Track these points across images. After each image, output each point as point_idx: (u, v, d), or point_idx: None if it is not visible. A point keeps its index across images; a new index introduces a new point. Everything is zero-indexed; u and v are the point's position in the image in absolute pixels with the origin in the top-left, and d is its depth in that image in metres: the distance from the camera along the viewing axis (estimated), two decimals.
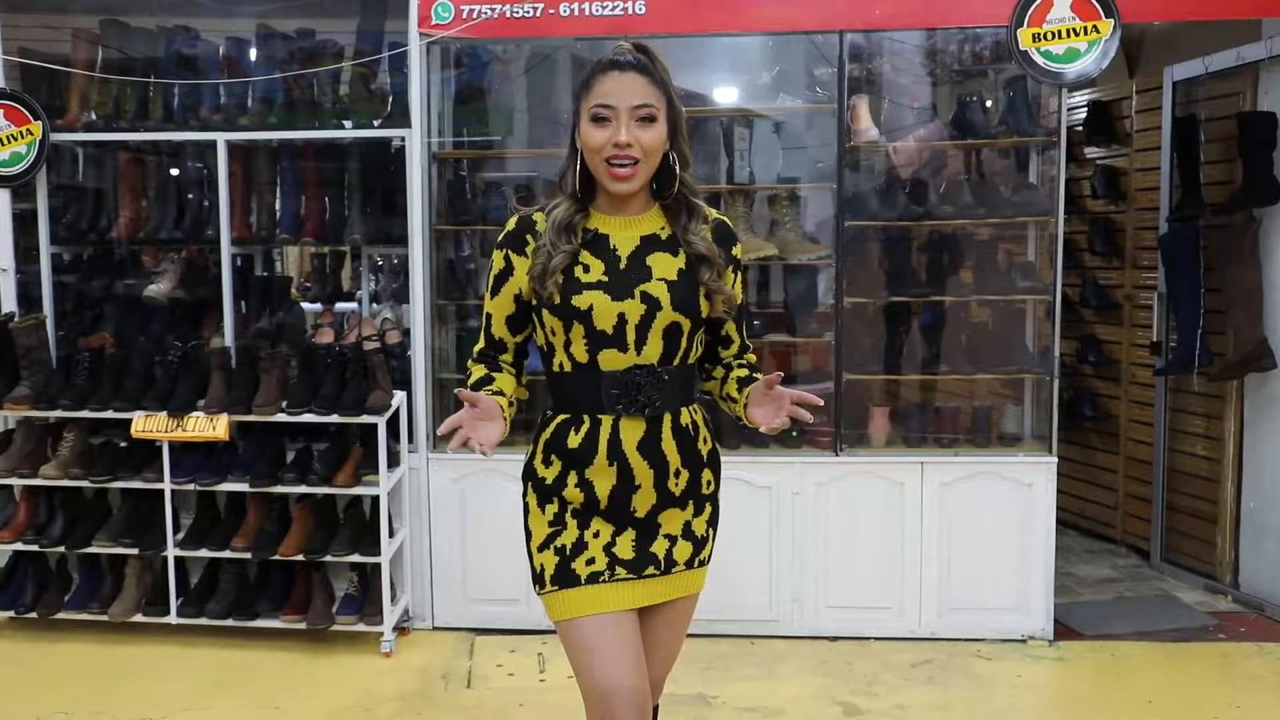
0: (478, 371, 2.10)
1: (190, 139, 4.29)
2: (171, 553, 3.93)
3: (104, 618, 3.96)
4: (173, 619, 3.95)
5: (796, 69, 4.23)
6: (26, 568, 4.06)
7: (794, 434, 4.02)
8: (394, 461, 3.96)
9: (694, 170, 2.09)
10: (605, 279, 2.00)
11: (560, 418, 2.06)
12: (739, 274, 2.14)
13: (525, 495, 2.12)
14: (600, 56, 2.03)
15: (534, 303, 2.05)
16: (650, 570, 2.05)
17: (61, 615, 4.00)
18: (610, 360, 1.99)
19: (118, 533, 3.96)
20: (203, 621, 3.92)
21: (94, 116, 4.28)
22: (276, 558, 3.86)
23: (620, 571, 2.03)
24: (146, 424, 3.88)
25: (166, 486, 3.88)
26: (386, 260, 4.77)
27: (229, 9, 4.34)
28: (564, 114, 3.93)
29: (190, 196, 4.44)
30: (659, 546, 2.06)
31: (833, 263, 4.04)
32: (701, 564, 2.13)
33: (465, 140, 4.35)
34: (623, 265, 2.01)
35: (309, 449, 4.02)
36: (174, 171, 4.51)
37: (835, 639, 3.99)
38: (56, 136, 4.17)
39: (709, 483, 2.12)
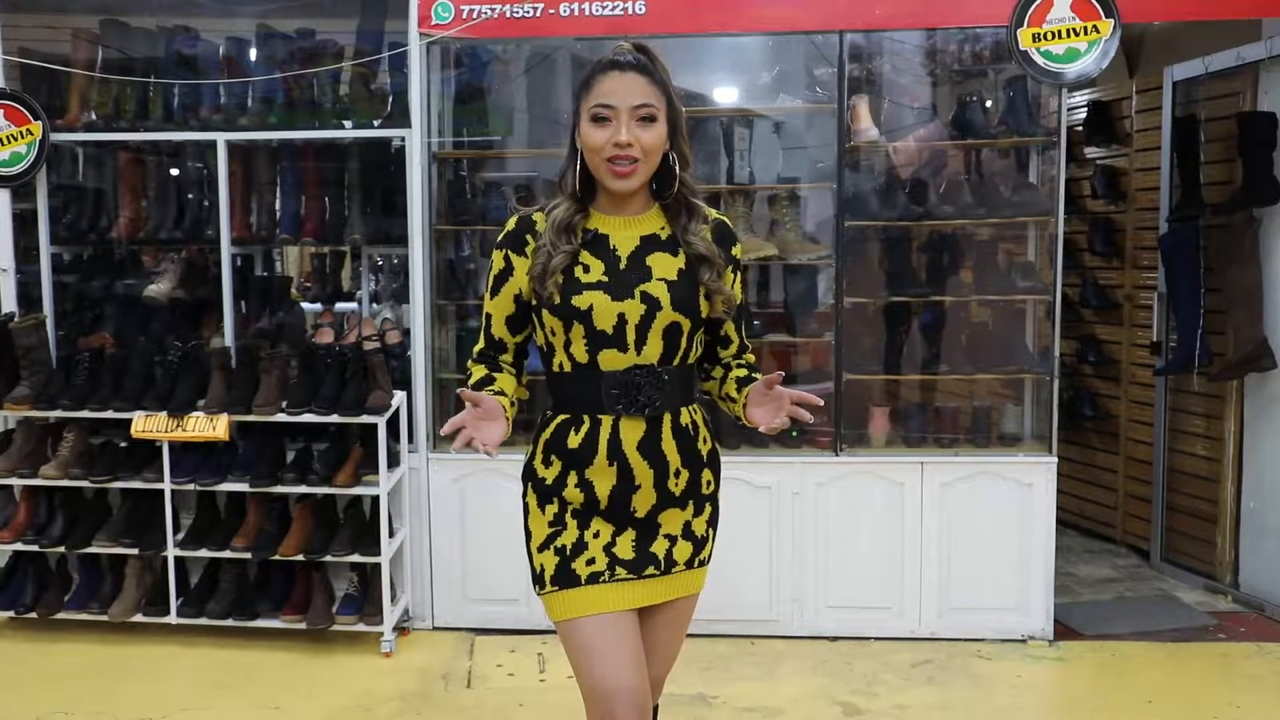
0: (478, 372, 2.10)
1: (190, 139, 4.30)
2: (171, 553, 3.93)
3: (104, 618, 3.96)
4: (173, 619, 3.95)
5: (796, 69, 4.23)
6: (26, 568, 4.06)
7: (794, 434, 4.02)
8: (394, 461, 3.96)
9: (694, 170, 2.09)
10: (605, 279, 1.99)
11: (560, 418, 2.06)
12: (738, 274, 2.14)
13: (525, 495, 2.12)
14: (600, 56, 2.03)
15: (534, 303, 2.05)
16: (650, 570, 2.05)
17: (61, 615, 4.00)
18: (610, 360, 1.99)
19: (118, 533, 3.96)
20: (203, 621, 3.92)
21: (94, 116, 4.28)
22: (276, 558, 3.86)
23: (620, 571, 2.03)
24: (146, 424, 3.89)
25: (166, 486, 3.88)
26: (386, 260, 4.77)
27: (229, 9, 4.34)
28: (564, 114, 3.93)
29: (190, 196, 4.44)
30: (659, 546, 2.06)
31: (833, 263, 4.04)
32: (701, 564, 2.13)
33: (465, 140, 4.36)
34: (623, 265, 2.01)
35: (309, 449, 4.02)
36: (174, 171, 4.51)
37: (835, 639, 3.99)
38: (56, 136, 4.17)
39: (709, 483, 2.12)
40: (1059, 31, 3.76)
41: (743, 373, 2.14)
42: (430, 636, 4.05)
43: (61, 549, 3.99)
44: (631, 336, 1.99)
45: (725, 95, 4.42)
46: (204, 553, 3.95)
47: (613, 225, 2.04)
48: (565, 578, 2.02)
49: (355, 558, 3.86)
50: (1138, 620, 4.19)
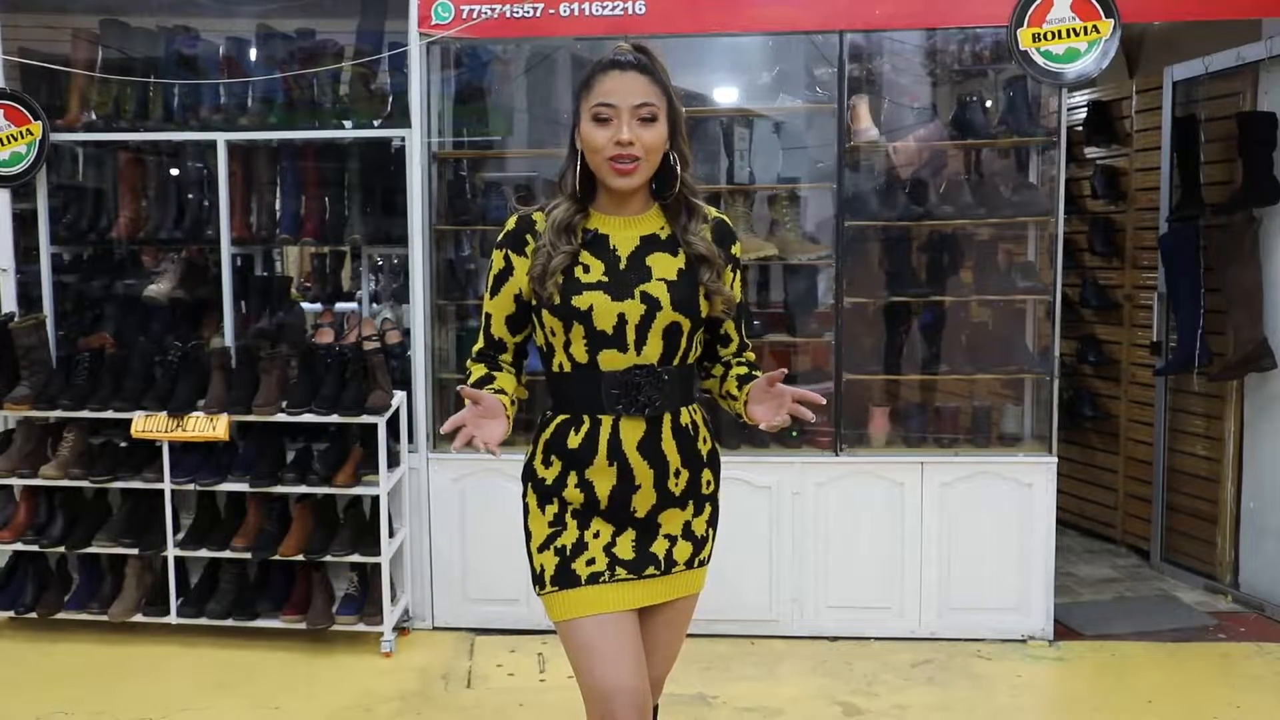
0: (477, 371, 2.10)
1: (190, 139, 4.30)
2: (171, 553, 3.93)
3: (104, 618, 3.96)
4: (173, 619, 3.95)
5: (796, 69, 4.23)
6: (26, 568, 4.06)
7: (794, 434, 4.02)
8: (394, 461, 3.96)
9: (694, 170, 2.09)
10: (605, 279, 1.99)
11: (560, 418, 2.06)
12: (738, 272, 2.14)
13: (525, 496, 2.12)
14: (600, 57, 2.03)
15: (534, 303, 2.05)
16: (650, 570, 2.05)
17: (61, 615, 4.00)
18: (610, 360, 1.99)
19: (118, 533, 3.96)
20: (203, 621, 3.92)
21: (94, 116, 4.28)
22: (276, 558, 3.86)
23: (620, 572, 2.03)
24: (146, 424, 3.89)
25: (166, 486, 3.88)
26: (386, 260, 4.77)
27: (229, 9, 4.34)
28: (564, 114, 3.93)
29: (190, 196, 4.44)
30: (659, 546, 2.06)
31: (833, 263, 4.04)
32: (701, 564, 2.13)
33: (465, 140, 4.35)
34: (622, 265, 2.01)
35: (309, 449, 4.02)
36: (174, 171, 4.51)
37: (835, 639, 3.99)
38: (56, 136, 4.17)
39: (709, 483, 2.12)
40: (1059, 31, 3.76)
41: (743, 370, 2.13)
42: (430, 636, 4.05)
43: (61, 549, 3.99)
44: (631, 336, 1.99)
45: (725, 95, 4.42)
46: (204, 553, 3.95)
47: (613, 225, 2.04)
48: (565, 578, 2.02)
49: (355, 558, 3.86)
50: (1138, 620, 4.19)
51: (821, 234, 4.22)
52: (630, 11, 3.87)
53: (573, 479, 2.03)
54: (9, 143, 4.08)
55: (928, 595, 3.97)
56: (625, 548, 2.04)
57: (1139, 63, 5.15)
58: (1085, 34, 3.76)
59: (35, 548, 4.00)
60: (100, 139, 4.36)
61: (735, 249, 2.13)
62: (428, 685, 3.63)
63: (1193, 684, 3.64)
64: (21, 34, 4.27)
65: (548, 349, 2.06)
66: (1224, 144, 4.35)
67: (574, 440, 2.02)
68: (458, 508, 4.06)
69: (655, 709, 2.19)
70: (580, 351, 2.00)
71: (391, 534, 3.92)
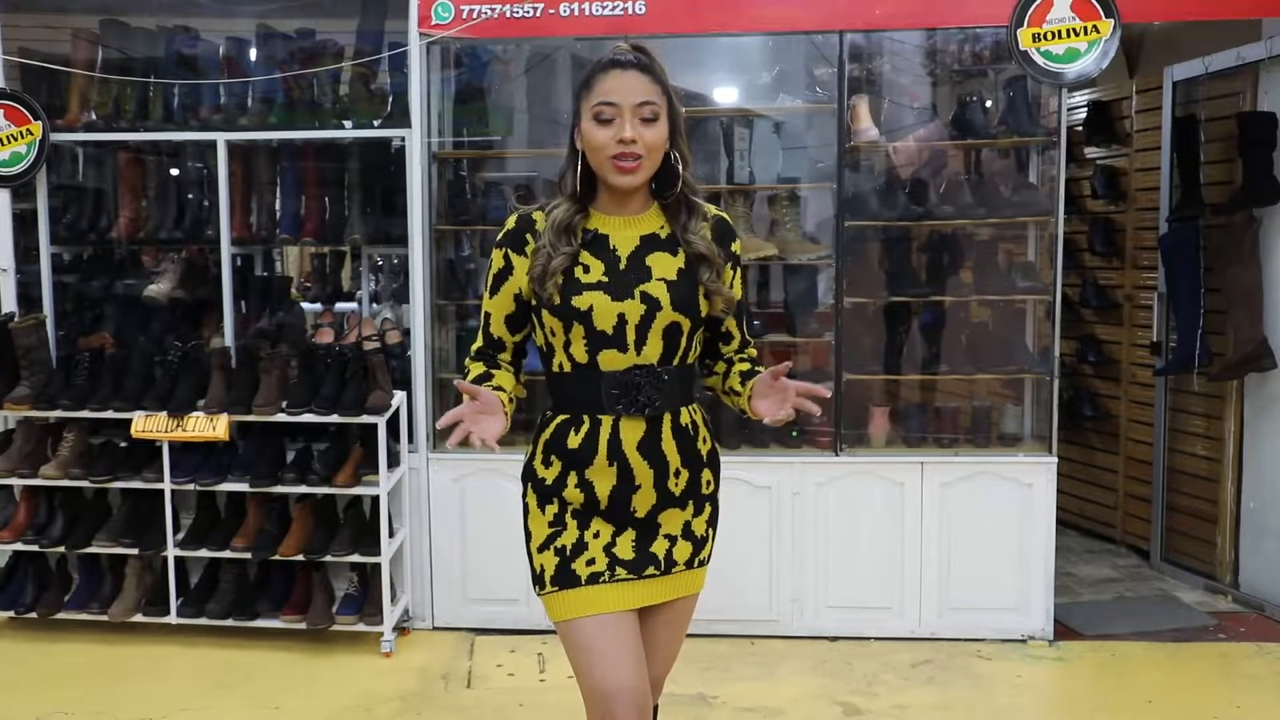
0: (476, 369, 2.10)
1: (190, 139, 4.30)
2: (171, 553, 3.93)
3: (104, 618, 3.96)
4: (173, 619, 3.95)
5: (796, 69, 4.23)
6: (26, 568, 4.06)
7: (795, 434, 4.02)
8: (394, 461, 3.96)
9: (694, 170, 2.09)
10: (605, 279, 1.99)
11: (560, 418, 2.05)
12: (738, 270, 2.14)
13: (525, 496, 2.11)
14: (599, 57, 2.02)
15: (533, 303, 2.05)
16: (650, 570, 2.05)
17: (61, 615, 4.00)
18: (610, 360, 1.99)
19: (118, 533, 3.96)
20: (203, 621, 3.92)
21: (94, 116, 4.28)
22: (276, 558, 3.86)
23: (620, 572, 2.03)
24: (146, 424, 3.89)
25: (166, 486, 3.88)
26: (386, 260, 4.77)
27: (229, 9, 4.34)
28: (564, 114, 3.92)
29: (190, 196, 4.44)
30: (659, 546, 2.06)
31: (833, 263, 4.04)
32: (701, 564, 2.13)
33: (465, 140, 4.36)
34: (622, 265, 2.01)
35: (309, 449, 4.02)
36: (174, 171, 4.51)
37: (835, 639, 3.99)
38: (56, 136, 4.17)
39: (709, 482, 2.12)
40: (1059, 31, 3.76)
41: (745, 367, 2.14)
42: (430, 636, 4.05)
43: (61, 549, 3.99)
44: (631, 336, 1.98)
45: (725, 95, 4.42)
46: (204, 553, 3.95)
47: (612, 225, 2.04)
48: (565, 578, 2.02)
49: (355, 558, 3.86)
50: (1138, 620, 4.19)
51: (821, 234, 4.22)
52: (630, 11, 3.87)
53: (573, 479, 2.03)
54: (9, 143, 4.08)
55: (928, 595, 3.97)
56: (625, 548, 2.04)
57: (1139, 63, 5.15)
58: (1085, 34, 3.76)
59: (35, 548, 4.00)
60: (100, 139, 4.36)
61: (735, 246, 2.12)
62: (428, 685, 3.63)
63: (1193, 684, 3.64)
64: (21, 34, 4.27)
65: (547, 349, 2.06)
66: (1224, 144, 4.35)
67: (574, 440, 2.02)
68: (458, 508, 4.06)
69: (655, 709, 2.19)
70: (580, 351, 2.00)
71: (391, 534, 3.92)
